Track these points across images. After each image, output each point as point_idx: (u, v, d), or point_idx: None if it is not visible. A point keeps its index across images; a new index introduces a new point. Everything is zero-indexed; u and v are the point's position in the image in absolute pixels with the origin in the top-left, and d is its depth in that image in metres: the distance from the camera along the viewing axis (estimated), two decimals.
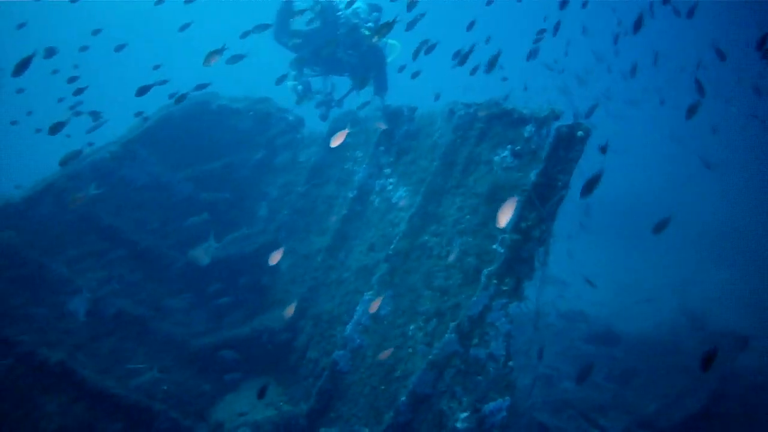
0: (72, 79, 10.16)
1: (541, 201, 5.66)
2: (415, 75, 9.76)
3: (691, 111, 7.57)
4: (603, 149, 6.53)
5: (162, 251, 8.44)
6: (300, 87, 8.74)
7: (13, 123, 13.31)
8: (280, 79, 8.56)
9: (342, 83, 9.31)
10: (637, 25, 8.64)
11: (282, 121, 9.33)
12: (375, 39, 8.11)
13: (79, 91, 9.50)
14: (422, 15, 8.47)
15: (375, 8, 8.93)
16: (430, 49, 8.52)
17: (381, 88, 8.87)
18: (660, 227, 6.71)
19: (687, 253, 19.22)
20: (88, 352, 7.15)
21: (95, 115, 9.50)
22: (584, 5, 12.09)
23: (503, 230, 5.76)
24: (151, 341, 7.63)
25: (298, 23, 8.82)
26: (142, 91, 7.58)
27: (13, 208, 7.78)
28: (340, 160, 8.27)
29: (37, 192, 7.97)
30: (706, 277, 17.06)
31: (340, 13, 8.71)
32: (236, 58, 8.03)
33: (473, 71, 9.32)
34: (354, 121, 8.30)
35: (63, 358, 6.66)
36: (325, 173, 8.34)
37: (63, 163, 7.37)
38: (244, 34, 7.95)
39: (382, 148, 7.52)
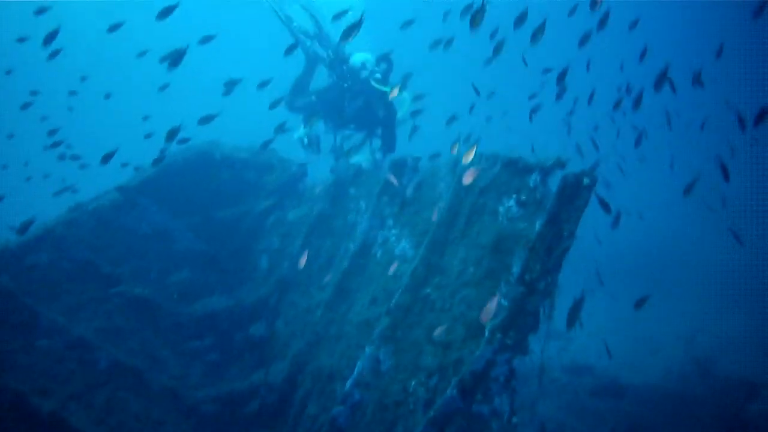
0: (52, 132, 10.16)
1: (547, 252, 5.51)
2: (413, 132, 9.71)
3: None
4: (603, 204, 6.43)
5: (160, 302, 8.29)
6: (306, 140, 8.75)
7: (4, 167, 13.36)
8: (279, 128, 8.50)
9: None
10: (637, 103, 8.57)
11: (285, 172, 9.26)
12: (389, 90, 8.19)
13: (56, 144, 9.55)
14: (409, 74, 8.57)
15: (384, 59, 8.95)
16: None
17: (389, 145, 8.83)
18: (640, 304, 6.88)
19: (695, 300, 18.95)
20: (82, 403, 6.95)
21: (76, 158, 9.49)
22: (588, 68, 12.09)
23: (508, 282, 5.61)
24: (146, 393, 7.42)
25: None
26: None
27: (10, 254, 7.67)
28: (344, 211, 8.16)
29: (35, 238, 7.89)
30: (714, 324, 16.75)
31: (347, 65, 8.79)
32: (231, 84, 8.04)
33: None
34: (358, 173, 8.21)
35: (55, 408, 6.48)
36: (328, 224, 8.22)
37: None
38: (227, 88, 7.87)
39: (385, 199, 7.40)
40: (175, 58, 6.57)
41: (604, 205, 6.41)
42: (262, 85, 8.24)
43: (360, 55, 9.03)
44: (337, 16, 8.71)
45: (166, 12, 7.13)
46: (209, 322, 8.36)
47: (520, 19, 7.69)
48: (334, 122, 8.98)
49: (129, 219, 8.73)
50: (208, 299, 8.62)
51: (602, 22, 7.16)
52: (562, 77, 7.92)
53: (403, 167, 7.38)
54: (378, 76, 8.86)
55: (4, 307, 7.24)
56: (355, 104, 8.61)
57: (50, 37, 7.74)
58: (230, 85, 7.87)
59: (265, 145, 9.13)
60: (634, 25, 10.30)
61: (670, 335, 16.37)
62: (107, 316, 8.03)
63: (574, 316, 5.33)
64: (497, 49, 7.47)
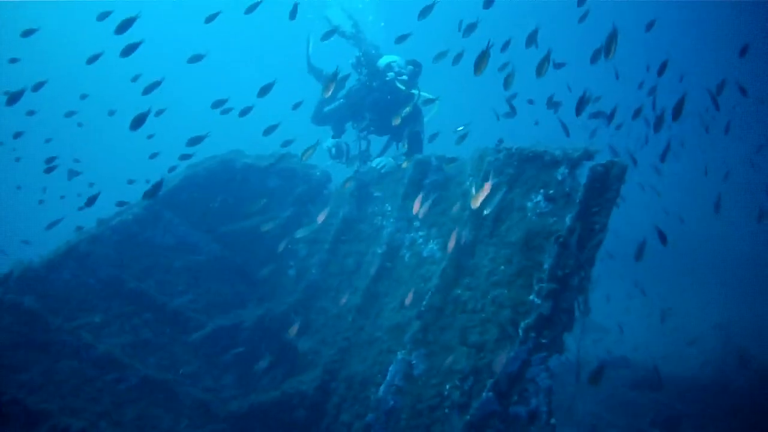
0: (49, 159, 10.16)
1: (578, 246, 5.36)
2: (432, 138, 9.63)
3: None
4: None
5: (189, 314, 8.24)
6: (334, 150, 8.69)
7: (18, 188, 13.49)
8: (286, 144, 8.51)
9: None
10: (658, 124, 8.37)
11: (309, 178, 9.16)
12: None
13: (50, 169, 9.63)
14: (437, 97, 8.64)
15: (413, 63, 8.90)
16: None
17: (414, 148, 8.73)
18: (665, 316, 6.80)
19: (728, 287, 18.62)
20: (112, 420, 6.90)
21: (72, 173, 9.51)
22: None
23: (540, 279, 5.46)
24: (178, 407, 7.36)
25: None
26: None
27: (34, 273, 7.65)
28: (369, 214, 8.04)
29: (59, 256, 7.86)
30: (749, 312, 16.42)
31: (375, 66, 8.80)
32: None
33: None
34: (382, 175, 8.09)
35: (85, 426, 6.44)
36: (354, 229, 8.10)
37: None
38: (262, 91, 7.82)
39: (410, 200, 7.28)
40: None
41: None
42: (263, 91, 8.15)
43: (388, 57, 8.99)
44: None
45: (128, 49, 7.47)
46: (239, 332, 8.28)
47: (531, 39, 7.69)
48: (360, 125, 8.93)
49: (153, 233, 8.68)
50: (237, 310, 8.54)
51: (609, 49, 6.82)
52: (610, 117, 7.79)
53: (428, 167, 7.26)
54: (404, 77, 8.79)
55: (30, 328, 7.22)
56: (380, 105, 8.57)
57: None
58: (265, 90, 7.86)
59: (286, 144, 9.06)
60: (650, 26, 10.04)
61: (706, 324, 16.10)
62: (135, 331, 7.97)
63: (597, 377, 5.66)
64: (508, 82, 7.45)
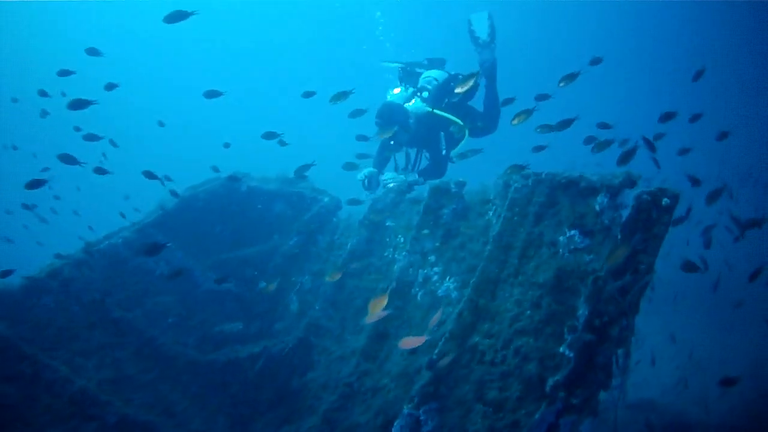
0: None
1: (620, 290, 4.50)
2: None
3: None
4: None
5: (179, 349, 7.47)
6: (366, 181, 7.91)
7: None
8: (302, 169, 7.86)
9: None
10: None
11: (317, 204, 8.38)
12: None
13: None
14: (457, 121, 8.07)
15: (455, 79, 8.41)
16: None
17: (433, 171, 7.99)
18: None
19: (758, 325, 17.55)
20: None
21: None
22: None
23: (573, 328, 4.61)
24: None
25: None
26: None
27: (10, 298, 6.93)
28: (380, 246, 7.22)
29: (41, 280, 7.14)
30: None
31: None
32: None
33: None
34: (394, 203, 7.29)
35: None
36: (363, 261, 7.28)
37: None
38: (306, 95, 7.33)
39: (425, 231, 6.44)
40: None
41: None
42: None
43: (431, 72, 8.39)
44: None
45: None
46: (233, 370, 7.50)
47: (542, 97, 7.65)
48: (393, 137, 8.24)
49: (145, 258, 7.95)
50: (233, 346, 7.76)
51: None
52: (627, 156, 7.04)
53: (446, 194, 6.44)
54: (425, 94, 8.12)
55: (2, 356, 6.50)
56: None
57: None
58: (308, 95, 7.36)
59: (304, 169, 8.37)
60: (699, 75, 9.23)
61: (737, 364, 15.07)
62: (117, 365, 7.24)
63: None
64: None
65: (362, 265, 7.22)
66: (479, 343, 5.24)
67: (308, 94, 8.43)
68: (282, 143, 8.55)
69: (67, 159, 7.58)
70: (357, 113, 8.14)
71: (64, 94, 7.52)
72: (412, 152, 8.53)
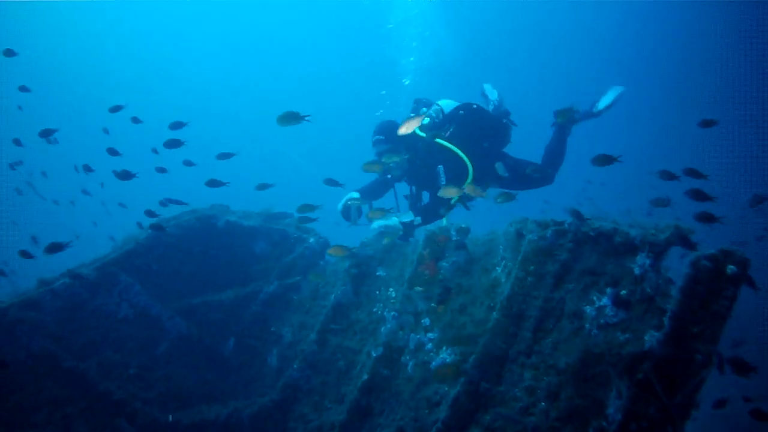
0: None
1: (667, 387, 3.36)
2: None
3: None
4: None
5: (137, 406, 6.37)
6: (346, 211, 6.85)
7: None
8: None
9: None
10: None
11: (302, 244, 7.27)
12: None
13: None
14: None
15: (462, 108, 7.52)
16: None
17: (428, 211, 6.87)
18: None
19: None
20: None
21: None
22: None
23: (601, 430, 3.46)
24: None
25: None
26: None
27: None
28: (369, 300, 6.07)
29: None
30: None
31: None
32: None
33: None
34: (386, 250, 6.17)
35: None
36: (349, 316, 6.15)
37: None
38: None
39: (419, 288, 5.29)
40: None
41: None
42: None
43: (444, 102, 7.53)
44: None
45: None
46: None
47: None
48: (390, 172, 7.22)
49: (105, 300, 6.90)
50: (200, 407, 6.66)
51: None
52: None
53: (445, 243, 5.31)
54: (425, 120, 7.10)
55: None
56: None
57: None
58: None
59: (307, 209, 7.36)
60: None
61: None
62: (66, 423, 6.17)
63: None
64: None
65: (347, 323, 6.10)
66: None
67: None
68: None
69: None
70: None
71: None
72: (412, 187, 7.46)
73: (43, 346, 6.35)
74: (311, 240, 7.22)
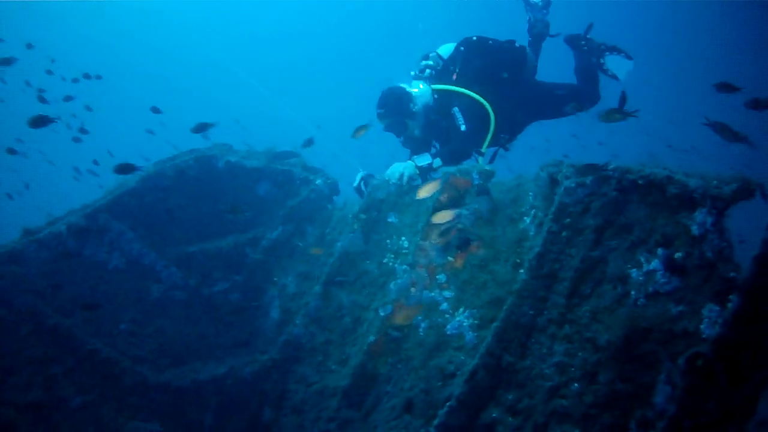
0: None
1: (732, 375, 2.73)
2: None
3: None
4: None
5: (126, 365, 5.88)
6: (364, 187, 6.15)
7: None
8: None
9: None
10: None
11: (308, 186, 6.64)
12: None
13: None
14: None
15: (463, 44, 6.92)
16: None
17: (452, 151, 6.19)
18: None
19: None
20: None
21: None
22: None
23: (645, 423, 2.86)
24: None
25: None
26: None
27: None
28: (378, 249, 5.44)
29: None
30: None
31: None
32: None
33: None
34: (400, 192, 5.51)
35: None
36: (357, 267, 5.53)
37: None
38: None
39: (435, 239, 4.63)
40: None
41: None
42: None
43: (443, 48, 7.04)
44: None
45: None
46: (194, 396, 5.94)
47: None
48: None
49: (95, 250, 6.34)
50: (195, 364, 6.18)
51: None
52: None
53: (466, 186, 4.65)
54: (428, 72, 6.58)
55: None
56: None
57: None
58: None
59: (308, 143, 6.78)
60: None
61: None
62: (50, 385, 5.70)
63: None
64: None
65: (355, 274, 5.50)
66: (498, 422, 3.50)
67: None
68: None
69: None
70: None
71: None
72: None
73: (26, 301, 5.84)
74: (318, 181, 6.58)
